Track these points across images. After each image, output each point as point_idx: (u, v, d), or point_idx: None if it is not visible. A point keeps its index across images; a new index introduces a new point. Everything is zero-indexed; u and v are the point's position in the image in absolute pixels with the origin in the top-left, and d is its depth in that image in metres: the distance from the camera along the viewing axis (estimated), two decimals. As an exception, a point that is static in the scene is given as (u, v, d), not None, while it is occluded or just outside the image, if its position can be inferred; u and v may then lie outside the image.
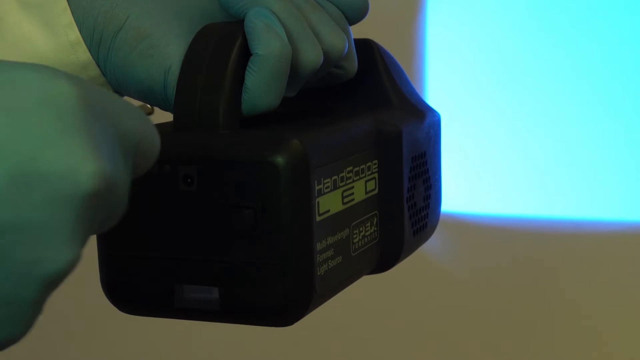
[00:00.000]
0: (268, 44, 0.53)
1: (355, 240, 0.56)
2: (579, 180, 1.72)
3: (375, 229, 0.59)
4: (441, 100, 1.71)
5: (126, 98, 0.58)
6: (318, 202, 0.52)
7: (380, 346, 1.81)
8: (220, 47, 0.54)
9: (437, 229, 0.68)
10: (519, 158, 1.73)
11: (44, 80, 0.37)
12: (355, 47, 0.61)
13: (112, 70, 0.57)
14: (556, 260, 1.76)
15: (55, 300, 0.63)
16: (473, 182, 1.75)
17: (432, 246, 1.74)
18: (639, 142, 1.70)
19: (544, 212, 1.74)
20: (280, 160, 0.49)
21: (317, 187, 0.52)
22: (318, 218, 0.52)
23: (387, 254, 0.60)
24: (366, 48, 0.64)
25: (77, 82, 0.38)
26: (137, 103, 0.60)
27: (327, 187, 0.53)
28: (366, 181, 0.58)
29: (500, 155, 1.74)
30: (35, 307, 0.38)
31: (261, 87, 0.53)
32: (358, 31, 0.64)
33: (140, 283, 0.53)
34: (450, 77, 1.74)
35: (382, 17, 1.70)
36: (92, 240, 0.44)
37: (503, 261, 1.77)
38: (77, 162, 0.37)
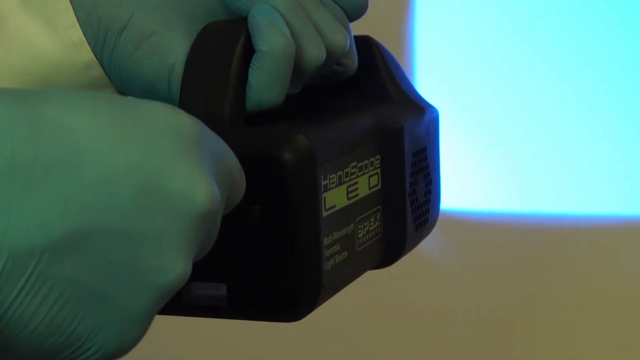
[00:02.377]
0: (271, 40, 0.53)
1: (360, 235, 0.57)
2: (576, 175, 1.72)
3: (379, 224, 0.59)
4: (432, 97, 1.71)
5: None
6: (324, 198, 0.52)
7: (379, 343, 1.81)
8: (223, 45, 0.54)
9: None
10: (512, 153, 1.74)
11: (168, 113, 0.41)
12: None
13: (116, 70, 0.57)
14: (554, 256, 1.76)
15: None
16: (467, 178, 1.75)
17: (428, 243, 1.74)
18: (636, 136, 1.70)
19: (540, 208, 1.75)
20: (286, 156, 0.50)
21: (323, 183, 0.52)
22: (325, 213, 0.52)
23: (390, 248, 0.61)
24: (365, 45, 0.64)
25: (194, 118, 0.42)
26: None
27: (332, 183, 0.53)
28: (369, 176, 0.58)
29: (492, 150, 1.74)
30: (146, 318, 0.40)
31: (265, 84, 0.53)
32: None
33: None
34: (440, 74, 1.74)
35: (371, 15, 1.70)
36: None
37: (499, 258, 1.78)
38: (195, 183, 0.40)
